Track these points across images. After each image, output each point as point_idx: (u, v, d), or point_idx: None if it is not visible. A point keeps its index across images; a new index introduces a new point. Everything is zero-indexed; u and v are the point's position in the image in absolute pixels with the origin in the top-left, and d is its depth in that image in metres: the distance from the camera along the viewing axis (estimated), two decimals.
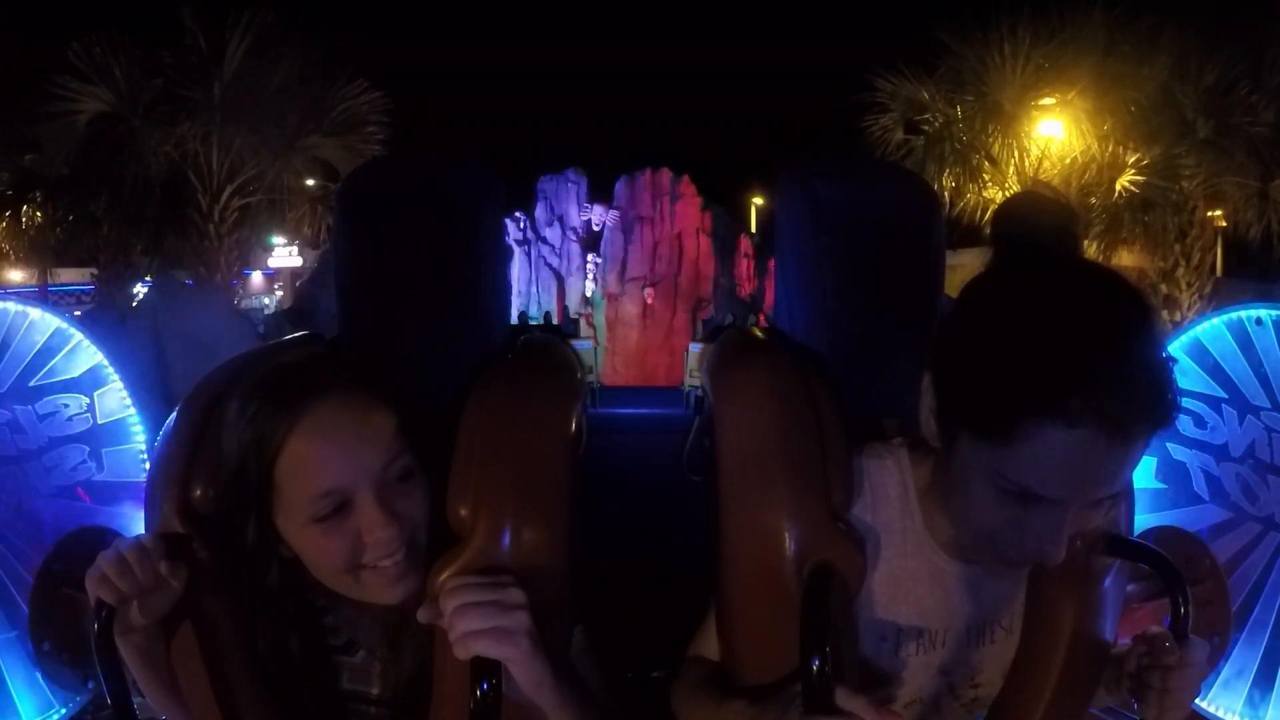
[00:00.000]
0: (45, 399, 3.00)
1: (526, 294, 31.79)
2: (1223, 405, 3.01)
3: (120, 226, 20.60)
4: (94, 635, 1.65)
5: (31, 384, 2.98)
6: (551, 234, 32.62)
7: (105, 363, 3.07)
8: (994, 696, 1.94)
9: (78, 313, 14.03)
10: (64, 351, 3.02)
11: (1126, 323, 1.52)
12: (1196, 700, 1.88)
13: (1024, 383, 1.48)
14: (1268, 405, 2.94)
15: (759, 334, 2.25)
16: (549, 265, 32.35)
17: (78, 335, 3.04)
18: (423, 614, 1.66)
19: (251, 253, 25.96)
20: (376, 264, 2.19)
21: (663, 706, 1.96)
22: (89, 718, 3.02)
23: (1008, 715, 1.92)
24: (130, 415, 3.11)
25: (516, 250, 31.23)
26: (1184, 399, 3.04)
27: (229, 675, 1.83)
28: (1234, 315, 3.02)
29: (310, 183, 22.99)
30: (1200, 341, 3.08)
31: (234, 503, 1.76)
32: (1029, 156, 20.92)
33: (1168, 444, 3.11)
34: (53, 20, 23.86)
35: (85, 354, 3.06)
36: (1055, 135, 20.61)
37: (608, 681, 1.92)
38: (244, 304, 27.72)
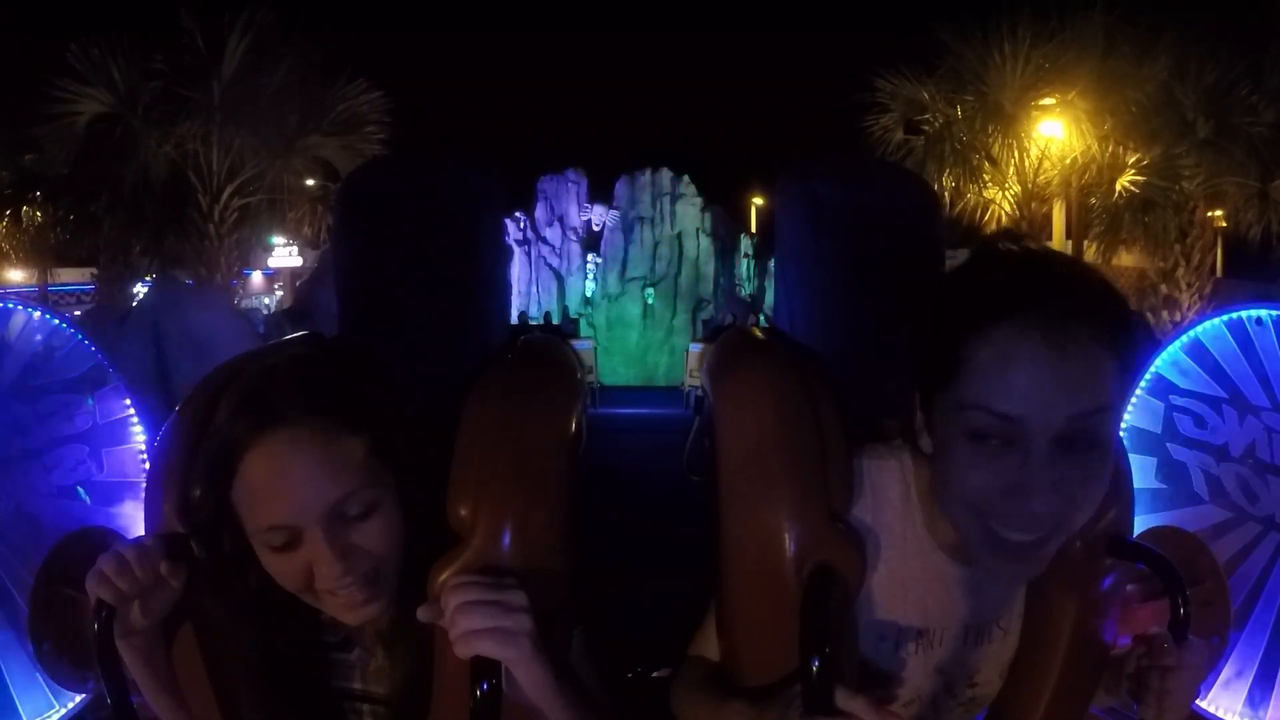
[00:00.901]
0: (45, 399, 3.00)
1: (526, 294, 31.76)
2: (1223, 405, 3.01)
3: (120, 227, 20.61)
4: (94, 635, 1.65)
5: (32, 384, 2.98)
6: (551, 234, 32.61)
7: (105, 363, 3.07)
8: (991, 697, 1.94)
9: (77, 313, 14.07)
10: (64, 351, 3.02)
11: (1057, 255, 1.68)
12: (1196, 700, 1.88)
13: (968, 301, 1.60)
14: (1268, 405, 2.95)
15: (759, 334, 2.25)
16: (549, 265, 32.33)
17: (78, 335, 3.04)
18: (423, 613, 1.66)
19: (251, 253, 25.92)
20: (376, 264, 2.19)
21: (663, 706, 1.96)
22: (89, 718, 3.02)
23: (1008, 715, 1.92)
24: (130, 415, 3.10)
25: (516, 250, 31.22)
26: (1184, 399, 3.06)
27: (229, 675, 1.83)
28: (1234, 315, 3.03)
29: (310, 183, 23.00)
30: (1200, 341, 3.09)
31: (206, 513, 1.74)
32: (1029, 156, 20.94)
33: (1168, 444, 3.11)
34: (52, 21, 23.87)
35: (85, 354, 3.06)
36: (1055, 135, 20.61)
37: (607, 684, 1.91)
38: (244, 304, 27.71)
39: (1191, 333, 3.09)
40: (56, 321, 3.02)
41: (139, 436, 3.11)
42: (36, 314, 3.02)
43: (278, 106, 20.57)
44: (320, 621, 1.93)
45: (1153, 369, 3.14)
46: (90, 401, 3.06)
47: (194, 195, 20.60)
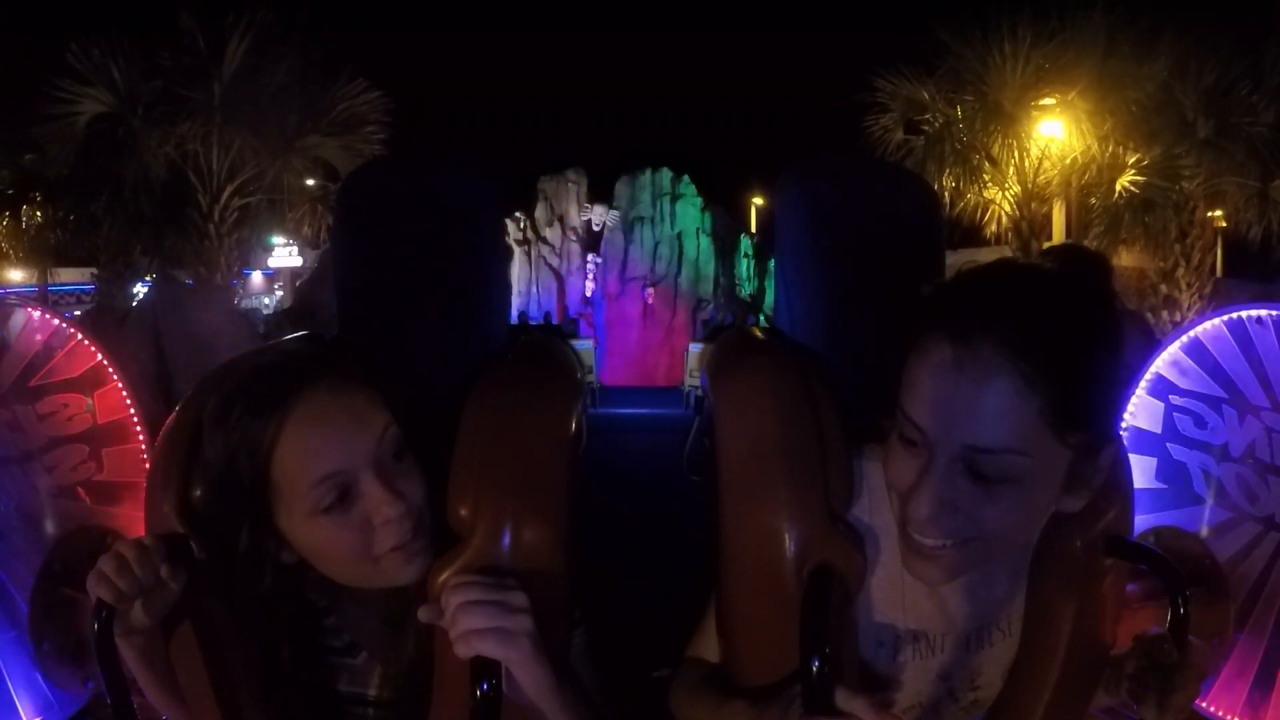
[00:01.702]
0: (45, 399, 2.99)
1: (526, 294, 31.74)
2: (1223, 405, 3.01)
3: (120, 226, 20.61)
4: (94, 635, 1.65)
5: (32, 384, 2.97)
6: (551, 234, 32.57)
7: (105, 363, 3.06)
8: (993, 698, 1.94)
9: (78, 313, 14.09)
10: (64, 351, 3.02)
11: (994, 268, 1.64)
12: (1196, 700, 1.88)
13: (924, 304, 1.63)
14: (1268, 405, 2.94)
15: (759, 334, 2.25)
16: (549, 265, 32.29)
17: (78, 335, 3.04)
18: (423, 614, 1.67)
19: (251, 253, 25.89)
20: (376, 264, 2.20)
21: (663, 706, 1.97)
22: (89, 718, 3.02)
23: (1007, 716, 1.92)
24: (130, 415, 3.10)
25: (516, 250, 31.19)
26: (1184, 399, 3.05)
27: (229, 675, 1.83)
28: (1234, 315, 3.03)
29: (310, 183, 23.00)
30: (1200, 341, 3.09)
31: (225, 509, 1.76)
32: (1029, 156, 20.93)
33: (1168, 444, 3.12)
34: (52, 21, 23.87)
35: (85, 354, 3.06)
36: (1055, 135, 20.60)
37: (607, 685, 1.92)
38: (244, 304, 27.74)
39: (1191, 332, 3.10)
40: (57, 321, 3.03)
41: (139, 436, 3.11)
42: (37, 314, 3.02)
43: (278, 106, 20.54)
44: (325, 627, 1.95)
45: (1153, 369, 3.15)
46: (90, 401, 3.06)
47: (194, 195, 20.59)
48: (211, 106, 19.92)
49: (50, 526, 2.96)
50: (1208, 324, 3.06)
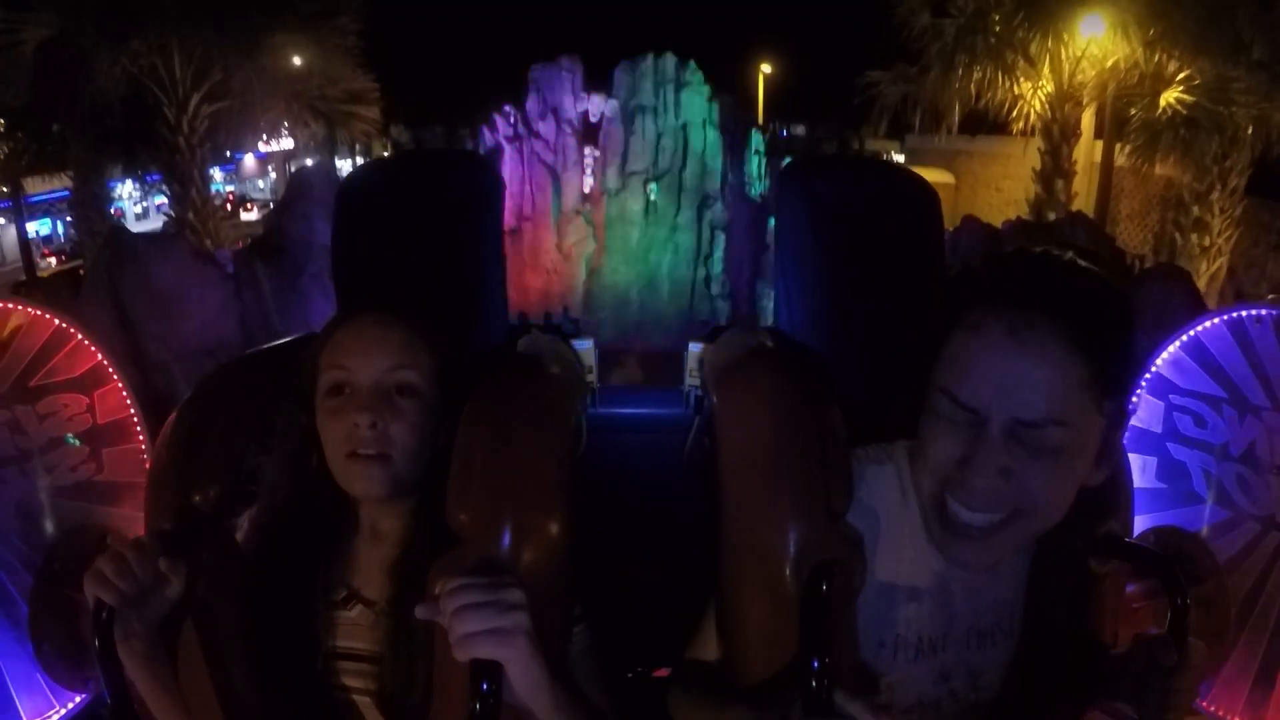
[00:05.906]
0: (45, 399, 3.11)
1: (519, 194, 31.40)
2: (1223, 405, 3.12)
3: (86, 147, 20.29)
4: (94, 636, 1.78)
5: (31, 384, 3.08)
6: (545, 128, 31.97)
7: (105, 362, 3.18)
8: (995, 699, 2.04)
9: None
10: (64, 351, 3.13)
11: (1042, 255, 1.75)
12: (1196, 700, 1.97)
13: (958, 288, 1.78)
14: (1268, 405, 3.05)
15: (758, 334, 2.32)
16: (543, 161, 31.82)
17: (77, 335, 3.15)
18: (420, 611, 1.76)
19: (241, 137, 25.28)
20: (376, 263, 2.30)
21: (663, 706, 2.08)
22: (89, 718, 3.15)
23: (1008, 716, 2.03)
24: (130, 415, 3.22)
25: (507, 148, 30.72)
26: (1184, 398, 3.16)
27: (230, 674, 1.97)
28: (1234, 314, 3.14)
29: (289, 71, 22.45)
30: (1200, 341, 3.19)
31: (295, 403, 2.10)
32: (1066, 52, 20.22)
33: (1168, 443, 3.22)
34: None
35: (85, 353, 3.16)
36: (1096, 34, 19.87)
37: (608, 682, 2.04)
38: (239, 189, 27.49)
39: (1191, 332, 3.20)
40: (57, 321, 3.12)
41: (139, 436, 3.22)
42: (37, 313, 3.11)
43: (238, 3, 19.89)
44: (327, 579, 2.11)
45: (1153, 368, 3.25)
46: (90, 401, 3.16)
47: (159, 108, 20.12)
48: (165, 18, 19.27)
49: (50, 527, 3.08)
50: (1208, 323, 3.16)
